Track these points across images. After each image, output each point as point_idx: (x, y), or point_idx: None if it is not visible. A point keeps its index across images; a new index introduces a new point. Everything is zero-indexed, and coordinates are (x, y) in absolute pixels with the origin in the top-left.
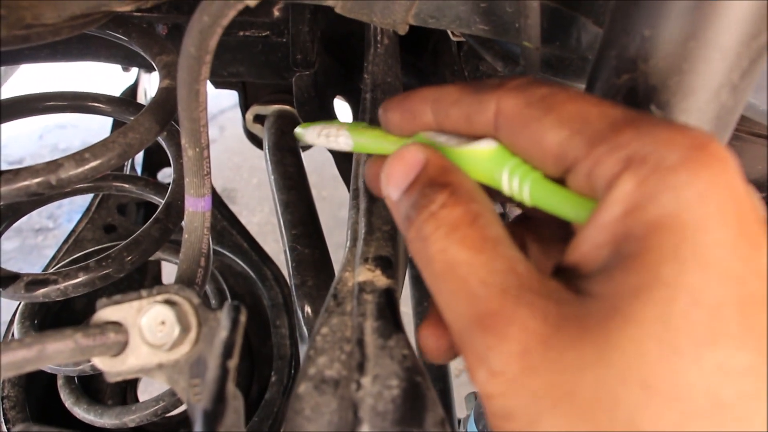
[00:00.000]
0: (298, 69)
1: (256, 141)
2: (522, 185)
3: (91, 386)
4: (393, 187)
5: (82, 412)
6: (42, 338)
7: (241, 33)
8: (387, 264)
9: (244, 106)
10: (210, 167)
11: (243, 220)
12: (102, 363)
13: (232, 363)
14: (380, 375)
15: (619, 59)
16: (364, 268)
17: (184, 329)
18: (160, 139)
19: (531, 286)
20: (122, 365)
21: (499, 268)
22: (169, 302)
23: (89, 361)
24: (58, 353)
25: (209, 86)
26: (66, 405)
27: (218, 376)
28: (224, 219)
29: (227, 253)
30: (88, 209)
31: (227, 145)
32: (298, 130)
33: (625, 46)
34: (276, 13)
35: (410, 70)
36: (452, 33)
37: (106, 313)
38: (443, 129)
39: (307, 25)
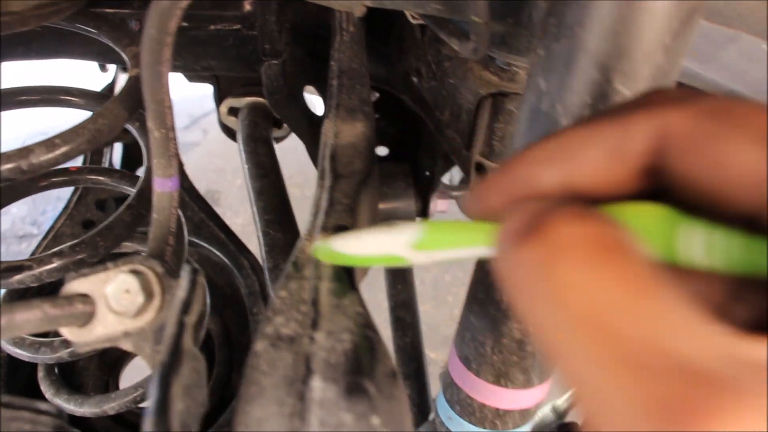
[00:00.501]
0: (266, 59)
1: (230, 133)
2: (717, 245)
3: (74, 380)
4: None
5: (62, 402)
6: (11, 308)
7: (212, 27)
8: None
9: (218, 99)
10: (176, 148)
11: (227, 222)
12: (70, 333)
13: (189, 319)
14: (333, 330)
15: (557, 26)
16: (323, 237)
17: (149, 296)
18: (133, 130)
19: (752, 358)
20: (90, 335)
21: (690, 325)
22: (134, 272)
23: (67, 348)
24: (26, 322)
25: (192, 90)
26: (46, 396)
27: (175, 331)
28: (201, 211)
29: (205, 245)
30: (66, 205)
31: (210, 148)
32: (321, 247)
33: (562, 12)
34: (246, 6)
35: (378, 57)
36: (412, 16)
37: (74, 285)
38: (574, 188)
39: (274, 15)
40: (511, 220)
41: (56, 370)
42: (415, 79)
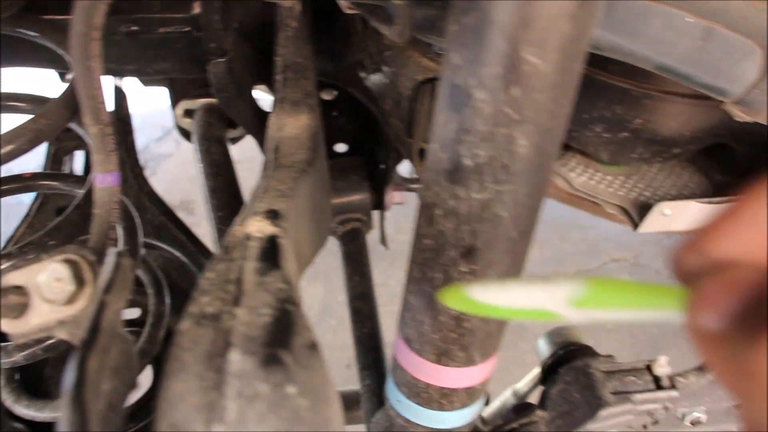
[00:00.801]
0: (212, 57)
1: (187, 135)
2: None
3: (41, 389)
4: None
5: (23, 409)
6: None
7: (162, 30)
8: (275, 215)
9: (174, 102)
10: (114, 144)
11: (201, 231)
12: (6, 325)
13: (110, 298)
14: (254, 306)
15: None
16: (253, 220)
17: (80, 284)
18: (82, 132)
19: None
20: (25, 325)
21: None
22: (67, 261)
23: (21, 351)
24: None
25: (164, 102)
26: (6, 404)
27: (95, 309)
28: (162, 214)
29: (166, 247)
30: (27, 214)
31: (183, 158)
32: (457, 294)
33: None
34: (195, 8)
35: (326, 53)
36: (348, 7)
37: (8, 278)
38: None
39: (218, 14)
40: (728, 293)
41: (17, 377)
42: (362, 73)
